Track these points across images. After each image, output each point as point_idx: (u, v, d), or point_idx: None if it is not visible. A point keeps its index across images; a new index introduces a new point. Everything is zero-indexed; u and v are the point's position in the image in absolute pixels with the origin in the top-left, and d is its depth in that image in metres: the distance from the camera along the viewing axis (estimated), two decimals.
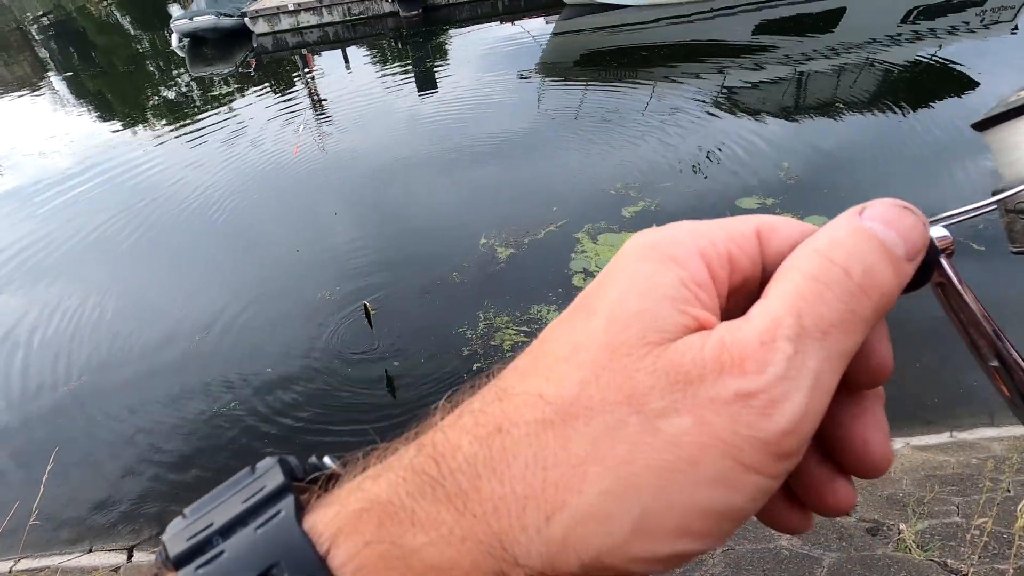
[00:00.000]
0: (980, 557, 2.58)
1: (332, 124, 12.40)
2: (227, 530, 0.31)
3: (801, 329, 0.28)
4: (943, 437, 4.45)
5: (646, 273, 0.31)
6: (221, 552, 0.30)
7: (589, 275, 6.62)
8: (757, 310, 0.30)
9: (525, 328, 5.99)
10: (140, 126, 14.13)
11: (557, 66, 13.62)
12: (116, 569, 4.28)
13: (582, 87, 12.01)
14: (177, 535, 0.32)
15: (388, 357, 5.92)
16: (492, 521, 0.28)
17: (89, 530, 4.71)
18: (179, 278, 7.75)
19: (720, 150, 8.94)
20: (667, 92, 11.31)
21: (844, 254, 0.31)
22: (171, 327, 6.77)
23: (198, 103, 15.36)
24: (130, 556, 4.43)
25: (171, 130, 13.15)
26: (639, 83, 11.92)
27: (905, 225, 0.33)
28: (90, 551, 4.52)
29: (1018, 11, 12.73)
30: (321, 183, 9.71)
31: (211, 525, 0.31)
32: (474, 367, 5.63)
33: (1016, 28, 12.43)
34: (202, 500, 0.34)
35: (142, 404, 5.80)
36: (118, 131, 13.89)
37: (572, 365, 0.30)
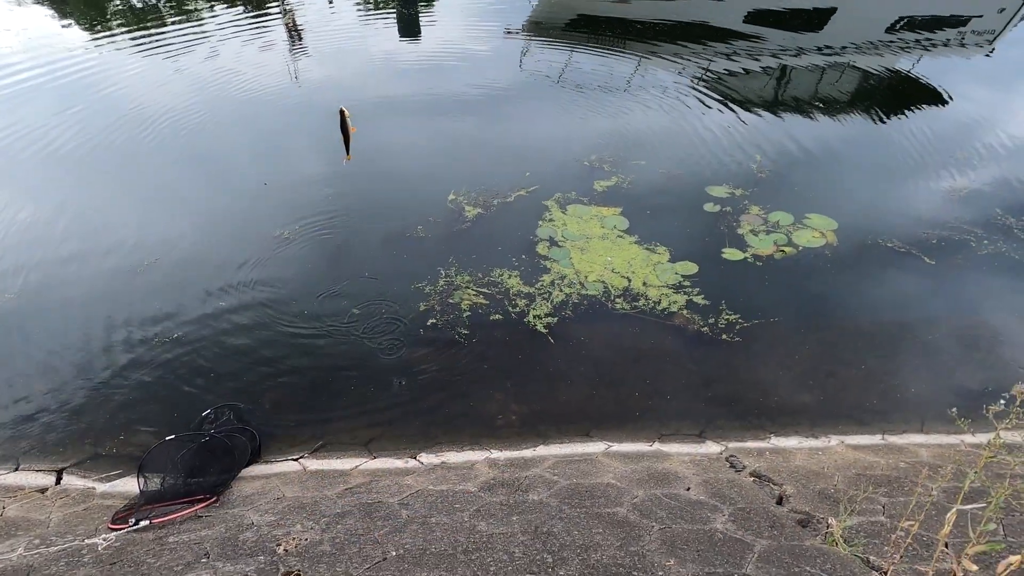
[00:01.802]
0: (901, 557, 2.70)
1: (308, 56, 11.89)
2: None
3: None
4: (875, 439, 4.63)
5: None
6: None
7: (554, 244, 6.60)
8: None
9: (485, 291, 5.95)
10: (103, 32, 13.26)
11: (545, 26, 13.31)
12: (44, 490, 4.14)
13: (568, 51, 11.79)
14: None
15: (345, 304, 5.80)
16: None
17: (18, 449, 4.53)
18: (133, 199, 7.40)
19: (696, 134, 8.95)
20: (651, 68, 11.22)
21: None
22: (119, 249, 6.48)
23: (166, 16, 14.48)
24: (59, 479, 4.29)
25: (134, 41, 12.40)
26: (625, 55, 11.77)
27: None
28: (17, 469, 4.35)
29: (996, 36, 13.03)
30: (290, 116, 9.34)
31: None
32: (429, 323, 5.58)
33: (992, 52, 12.73)
34: None
35: (78, 325, 5.57)
36: (78, 33, 13.02)
37: None
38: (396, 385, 5.03)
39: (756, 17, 13.39)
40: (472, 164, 8.14)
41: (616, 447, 4.54)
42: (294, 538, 3.14)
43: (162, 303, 5.79)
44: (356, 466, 4.33)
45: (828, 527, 3.15)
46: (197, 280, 6.08)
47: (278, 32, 13.11)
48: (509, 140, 8.87)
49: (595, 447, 4.54)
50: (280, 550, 3.03)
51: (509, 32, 12.77)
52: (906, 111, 9.98)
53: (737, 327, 5.63)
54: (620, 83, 10.54)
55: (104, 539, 3.29)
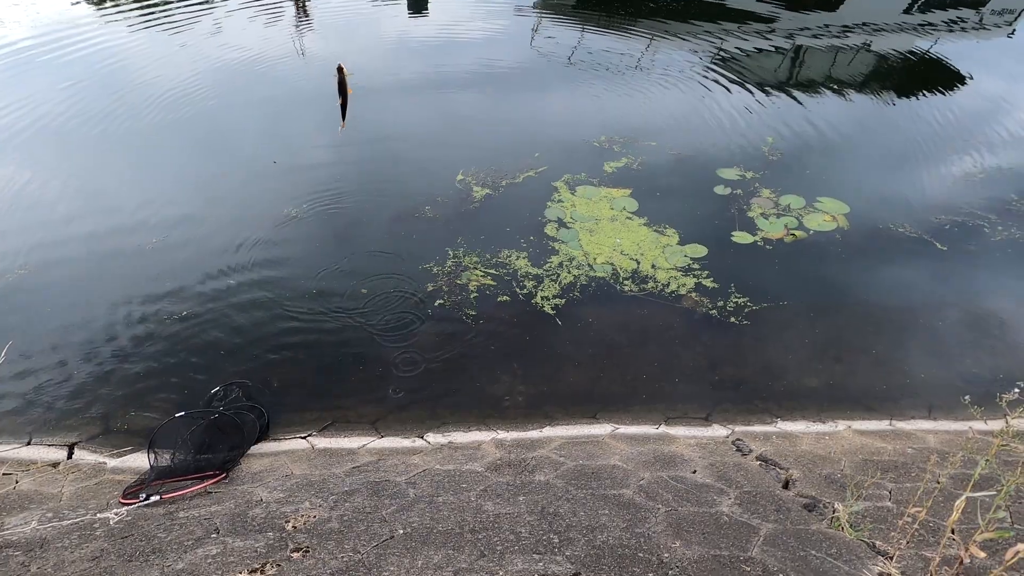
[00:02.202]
0: (908, 542, 2.70)
1: (314, 32, 11.78)
2: None
3: None
4: (883, 424, 4.62)
5: None
6: None
7: (563, 225, 6.56)
8: None
9: (493, 271, 5.94)
10: (111, 8, 13.17)
11: (557, 3, 13.14)
12: (55, 464, 4.19)
13: (579, 29, 11.64)
14: None
15: (353, 284, 5.80)
16: None
17: (30, 423, 4.58)
18: (140, 177, 7.38)
19: (707, 115, 8.85)
20: (664, 47, 11.07)
21: None
22: (127, 227, 6.48)
23: None
24: (70, 453, 4.34)
25: (142, 16, 12.31)
26: (637, 34, 11.61)
27: None
28: (29, 443, 4.41)
29: (1017, 16, 12.76)
30: (297, 92, 9.27)
31: None
32: (437, 303, 5.58)
33: (1013, 32, 12.48)
34: None
35: (88, 303, 5.59)
36: (86, 8, 12.93)
37: None
38: (394, 385, 5.05)
39: None
40: (481, 144, 8.08)
41: (623, 429, 4.55)
42: (302, 515, 3.17)
43: (171, 281, 5.81)
44: (363, 445, 4.36)
45: (834, 512, 3.16)
46: (206, 258, 6.09)
47: (286, 7, 12.98)
48: (518, 120, 8.80)
49: (601, 429, 4.55)
50: (289, 527, 3.06)
51: (519, 10, 12.61)
52: (922, 94, 9.82)
53: (746, 310, 5.60)
54: (631, 63, 10.40)
55: (116, 513, 3.34)
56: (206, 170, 7.49)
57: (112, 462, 4.23)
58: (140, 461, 4.19)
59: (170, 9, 12.64)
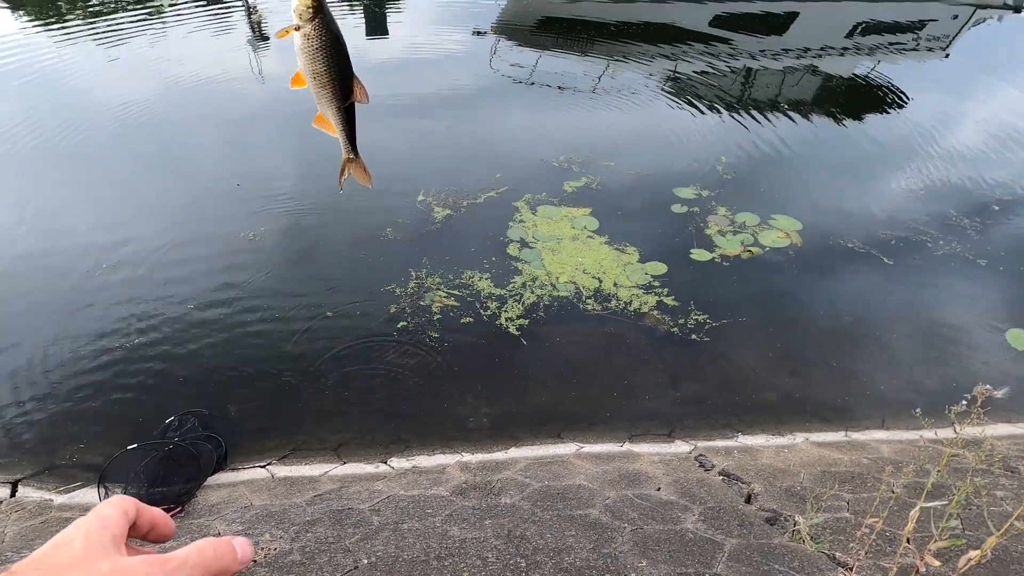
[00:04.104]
0: (867, 553, 2.76)
1: (272, 53, 11.69)
2: None
3: (182, 562, 0.59)
4: (839, 435, 4.73)
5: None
6: None
7: (525, 245, 6.60)
8: (172, 554, 0.60)
9: (456, 292, 5.92)
10: (58, 28, 12.85)
11: (514, 27, 13.32)
12: None
13: (537, 52, 11.82)
14: None
15: (312, 307, 5.71)
16: None
17: None
18: (91, 199, 7.17)
19: (664, 136, 9.05)
20: (620, 70, 11.31)
21: (215, 544, 0.63)
22: (76, 250, 6.28)
23: (125, 8, 14.09)
24: (14, 491, 4.13)
25: (95, 38, 12.04)
26: (594, 57, 11.85)
27: (247, 551, 0.66)
28: None
29: (951, 41, 13.45)
30: (256, 112, 9.16)
31: None
32: (400, 325, 5.53)
33: (947, 55, 13.14)
34: None
35: (32, 328, 5.38)
36: (35, 29, 12.59)
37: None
38: (357, 410, 4.97)
39: (722, 21, 13.60)
40: (441, 165, 8.10)
41: (587, 448, 4.56)
42: (263, 547, 3.08)
43: (122, 306, 5.63)
44: (325, 472, 4.27)
45: (795, 525, 3.21)
46: (158, 283, 5.92)
47: (242, 29, 12.87)
48: (478, 141, 8.85)
49: (566, 448, 4.55)
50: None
51: (478, 33, 12.75)
52: (866, 114, 10.24)
53: (706, 327, 5.70)
54: (589, 84, 10.60)
55: None
56: (160, 192, 7.32)
57: (59, 499, 4.05)
58: (90, 497, 4.01)
59: (122, 28, 12.39)
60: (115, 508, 0.64)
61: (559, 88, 10.38)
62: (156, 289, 5.84)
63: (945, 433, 4.66)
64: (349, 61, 1.41)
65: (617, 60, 11.72)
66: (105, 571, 0.55)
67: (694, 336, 5.61)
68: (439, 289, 5.96)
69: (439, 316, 5.67)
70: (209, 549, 0.62)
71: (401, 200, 7.23)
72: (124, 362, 5.11)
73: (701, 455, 4.40)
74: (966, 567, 2.22)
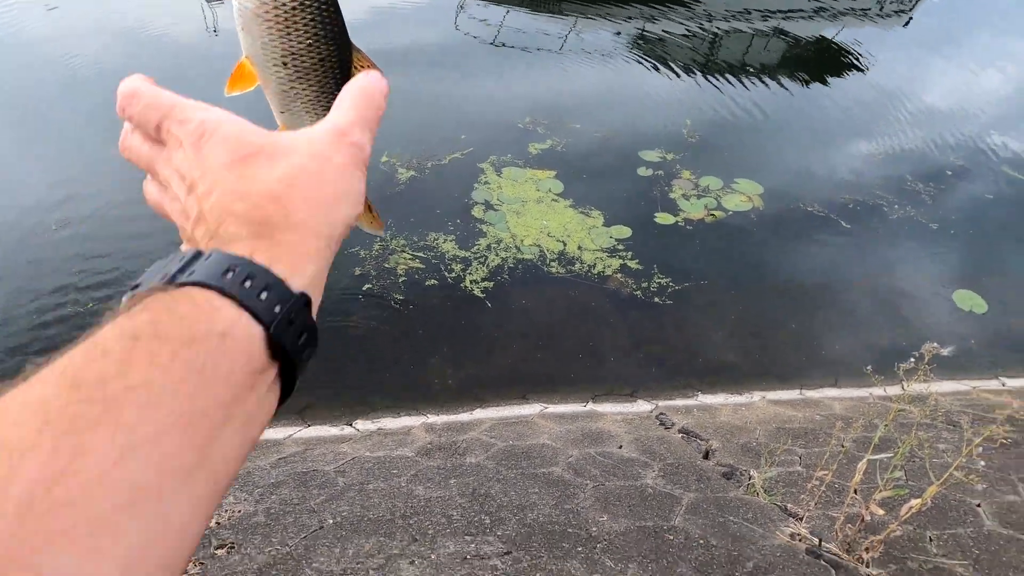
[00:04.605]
0: (816, 504, 2.89)
1: (226, 5, 11.20)
2: (195, 256, 0.45)
3: (360, 120, 0.58)
4: (794, 394, 4.90)
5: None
6: (207, 256, 0.44)
7: (490, 207, 6.56)
8: (336, 115, 0.58)
9: (421, 255, 5.88)
10: None
11: None
12: None
13: (504, 9, 11.57)
14: (152, 273, 0.45)
15: None
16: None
17: None
18: (40, 152, 6.86)
19: (630, 98, 9.01)
20: (587, 29, 11.15)
21: (372, 89, 0.61)
22: (28, 207, 6.03)
23: None
24: None
25: None
26: (562, 15, 11.65)
27: (383, 80, 0.64)
28: None
29: (913, 6, 13.56)
30: (211, 69, 8.81)
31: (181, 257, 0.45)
32: (365, 288, 5.48)
33: (909, 22, 13.27)
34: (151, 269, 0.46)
35: None
36: None
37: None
38: (322, 373, 4.94)
39: None
40: (406, 124, 7.93)
41: (551, 408, 4.63)
42: (226, 510, 3.08)
43: (81, 265, 5.45)
44: (290, 435, 4.26)
45: (750, 479, 3.34)
46: (120, 241, 5.74)
47: None
48: (443, 101, 8.68)
49: (531, 409, 4.62)
50: (212, 523, 2.96)
51: None
52: (829, 77, 10.33)
53: (669, 290, 5.79)
54: (555, 44, 10.44)
55: None
56: (111, 147, 7.03)
57: None
58: None
59: None
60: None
61: (525, 47, 10.21)
62: (112, 250, 5.66)
63: (894, 390, 4.84)
64: (348, 35, 0.78)
65: (585, 18, 11.54)
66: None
67: (657, 299, 5.69)
68: (404, 251, 5.91)
69: (404, 279, 5.64)
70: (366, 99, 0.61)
71: None
72: (79, 316, 4.97)
73: (662, 414, 4.51)
74: (908, 515, 2.34)
